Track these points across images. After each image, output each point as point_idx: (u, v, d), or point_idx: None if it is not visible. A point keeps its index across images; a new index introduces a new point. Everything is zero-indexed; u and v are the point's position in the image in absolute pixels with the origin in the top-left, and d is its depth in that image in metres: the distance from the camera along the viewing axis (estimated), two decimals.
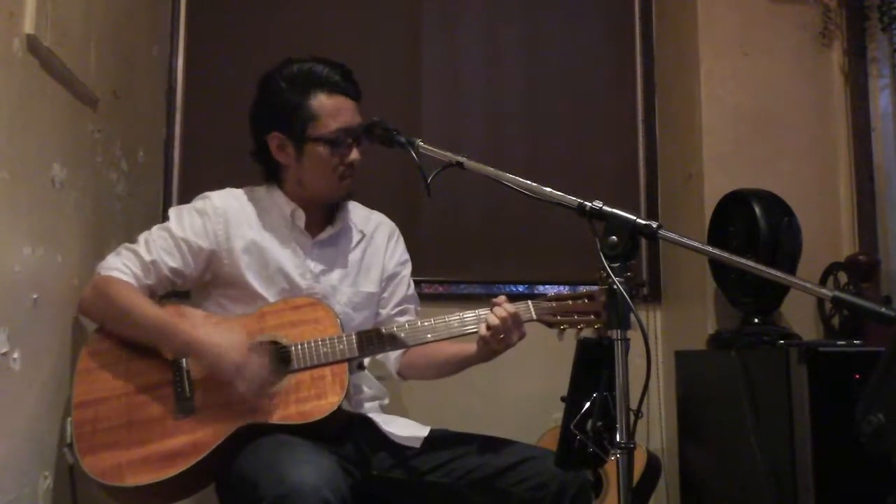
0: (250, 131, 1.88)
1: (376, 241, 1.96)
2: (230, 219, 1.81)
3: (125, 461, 1.58)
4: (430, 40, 3.00)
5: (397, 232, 2.01)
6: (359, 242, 1.93)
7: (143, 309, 1.68)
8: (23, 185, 1.58)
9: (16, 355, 1.55)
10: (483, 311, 1.73)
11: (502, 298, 1.71)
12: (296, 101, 1.77)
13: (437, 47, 3.00)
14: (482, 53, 3.03)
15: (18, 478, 1.59)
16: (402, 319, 1.91)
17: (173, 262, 1.76)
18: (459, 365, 1.85)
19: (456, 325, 1.73)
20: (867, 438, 1.13)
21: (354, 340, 1.70)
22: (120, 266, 1.73)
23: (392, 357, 1.91)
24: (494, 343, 1.69)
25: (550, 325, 1.74)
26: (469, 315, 1.74)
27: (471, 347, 1.79)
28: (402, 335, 1.74)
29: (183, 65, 2.85)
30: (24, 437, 1.62)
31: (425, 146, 1.59)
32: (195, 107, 2.84)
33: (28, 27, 1.57)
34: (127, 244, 1.79)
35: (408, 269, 2.00)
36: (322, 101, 1.77)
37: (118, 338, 1.71)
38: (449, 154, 1.53)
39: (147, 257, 1.75)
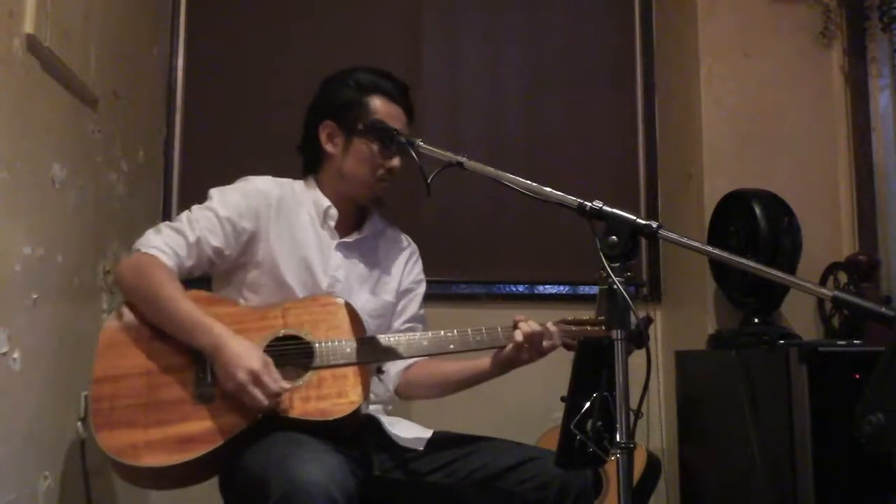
0: (304, 122, 1.91)
1: (398, 255, 1.98)
2: (272, 202, 1.82)
3: (142, 441, 1.57)
4: (430, 40, 3.00)
5: (417, 252, 2.04)
6: (381, 253, 1.95)
7: (177, 303, 1.64)
8: (23, 185, 1.59)
9: (16, 355, 1.55)
10: (507, 327, 1.75)
11: (523, 317, 1.75)
12: (356, 97, 1.83)
13: (437, 47, 3.00)
14: (482, 53, 3.03)
15: (18, 478, 1.59)
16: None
17: (216, 241, 1.75)
18: (468, 381, 1.86)
19: (475, 338, 1.74)
20: (867, 438, 1.13)
21: (378, 344, 1.71)
22: (161, 245, 1.70)
23: (392, 372, 1.91)
24: (524, 353, 1.72)
25: (569, 347, 1.76)
26: (489, 330, 1.75)
27: (483, 363, 1.81)
28: (425, 343, 1.75)
29: (183, 65, 2.85)
30: (24, 437, 1.62)
31: (425, 146, 1.60)
32: (195, 107, 2.84)
33: (28, 27, 1.57)
34: (168, 222, 1.77)
35: (422, 289, 2.02)
36: (380, 104, 1.83)
37: (140, 317, 1.69)
38: (449, 154, 1.53)
39: (191, 237, 1.73)
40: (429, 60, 2.98)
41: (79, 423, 1.75)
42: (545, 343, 1.73)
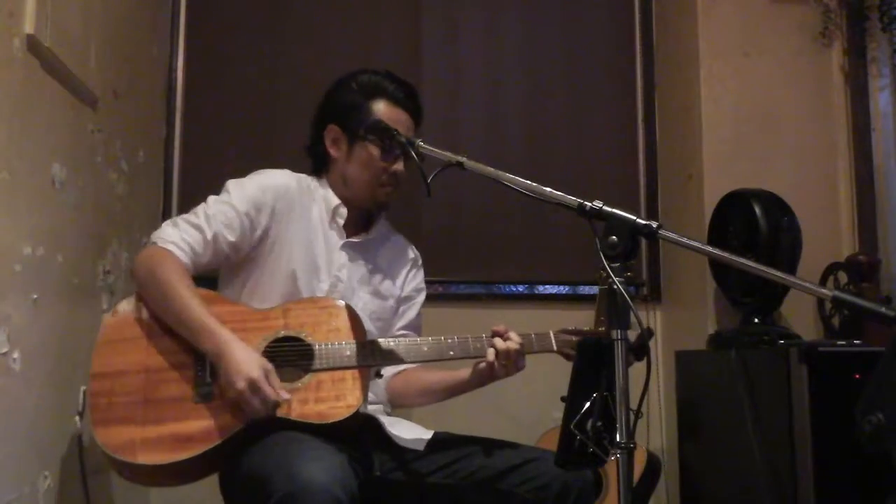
0: (311, 124, 1.91)
1: (401, 260, 1.99)
2: (290, 196, 1.82)
3: (139, 438, 1.57)
4: (430, 40, 3.00)
5: (420, 262, 2.04)
6: (385, 257, 1.95)
7: (186, 302, 1.64)
8: (23, 185, 1.59)
9: (16, 355, 1.55)
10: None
11: (504, 327, 1.71)
12: (360, 101, 1.84)
13: (437, 47, 3.00)
14: (482, 53, 3.04)
15: (18, 478, 1.59)
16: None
17: (233, 236, 1.75)
18: (449, 391, 1.85)
19: (475, 345, 1.73)
20: (867, 438, 1.13)
21: (377, 347, 1.71)
22: (178, 240, 1.70)
23: (380, 382, 1.91)
24: (499, 370, 1.70)
25: (568, 357, 1.75)
26: (489, 337, 1.73)
27: (463, 374, 1.79)
28: (426, 349, 1.74)
29: (183, 65, 2.85)
30: (24, 437, 1.62)
31: (425, 146, 1.59)
32: (195, 107, 2.84)
33: (28, 27, 1.57)
34: (185, 216, 1.76)
35: (422, 298, 2.01)
36: (383, 108, 1.83)
37: (144, 312, 1.68)
38: (449, 154, 1.53)
39: (209, 233, 1.72)
40: (429, 60, 2.98)
41: (77, 418, 1.74)
42: (520, 360, 1.70)
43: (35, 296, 1.64)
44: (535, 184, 1.40)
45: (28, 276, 1.61)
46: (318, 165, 1.92)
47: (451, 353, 1.74)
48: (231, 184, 1.81)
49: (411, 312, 1.98)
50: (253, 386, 1.55)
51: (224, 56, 2.88)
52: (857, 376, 2.02)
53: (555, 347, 1.75)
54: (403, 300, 1.97)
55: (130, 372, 1.63)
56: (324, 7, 2.95)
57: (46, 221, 1.71)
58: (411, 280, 2.00)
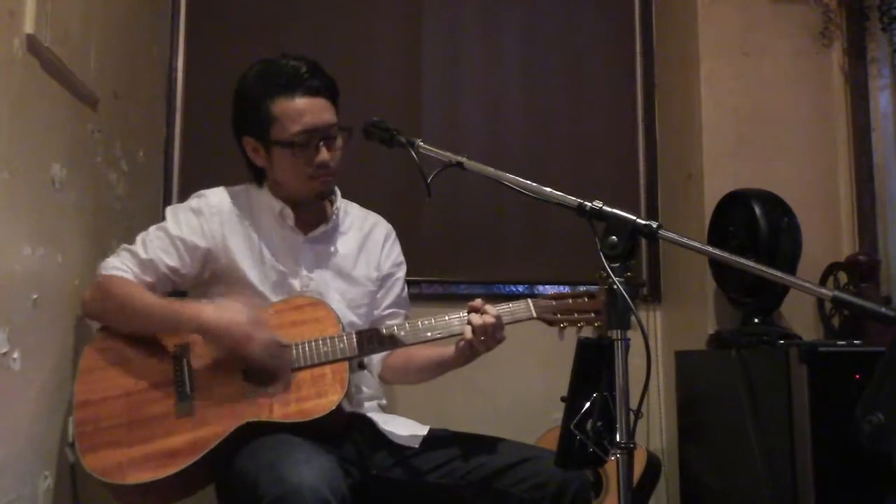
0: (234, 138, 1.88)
1: (372, 240, 1.95)
2: (226, 216, 1.81)
3: (126, 459, 1.59)
4: (430, 40, 3.00)
5: (394, 234, 2.01)
6: (354, 241, 1.92)
7: (145, 298, 1.69)
8: (23, 185, 1.58)
9: (16, 355, 1.55)
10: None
11: (479, 302, 1.71)
12: (258, 105, 1.76)
13: (437, 47, 3.00)
14: (482, 53, 3.03)
15: (18, 478, 1.59)
16: (391, 322, 1.88)
17: (171, 260, 1.76)
18: (438, 369, 1.85)
19: (456, 323, 1.73)
20: (867, 438, 1.13)
21: (354, 339, 1.70)
22: (118, 265, 1.74)
23: (375, 360, 1.91)
24: (479, 346, 1.70)
25: (550, 323, 1.75)
26: (464, 316, 1.73)
27: (448, 350, 1.79)
28: (402, 334, 1.74)
29: (183, 65, 2.85)
30: (24, 437, 1.62)
31: (425, 146, 1.59)
32: (195, 107, 2.84)
33: (28, 27, 1.57)
34: (126, 245, 1.80)
35: (402, 272, 1.99)
36: (282, 104, 1.74)
37: (120, 337, 1.71)
38: (449, 154, 1.53)
39: (144, 256, 1.75)
40: (429, 60, 2.98)
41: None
42: (498, 332, 1.70)
43: (35, 296, 1.64)
44: (535, 184, 1.40)
45: (28, 276, 1.61)
46: (254, 176, 1.87)
47: (429, 334, 1.73)
48: (168, 210, 1.84)
49: (395, 289, 1.96)
50: (254, 333, 1.61)
51: (224, 56, 2.87)
52: (857, 376, 2.02)
53: (534, 314, 1.75)
54: (384, 279, 1.94)
55: (112, 397, 1.66)
56: (324, 8, 2.94)
57: (46, 221, 1.71)
58: (387, 256, 1.96)
